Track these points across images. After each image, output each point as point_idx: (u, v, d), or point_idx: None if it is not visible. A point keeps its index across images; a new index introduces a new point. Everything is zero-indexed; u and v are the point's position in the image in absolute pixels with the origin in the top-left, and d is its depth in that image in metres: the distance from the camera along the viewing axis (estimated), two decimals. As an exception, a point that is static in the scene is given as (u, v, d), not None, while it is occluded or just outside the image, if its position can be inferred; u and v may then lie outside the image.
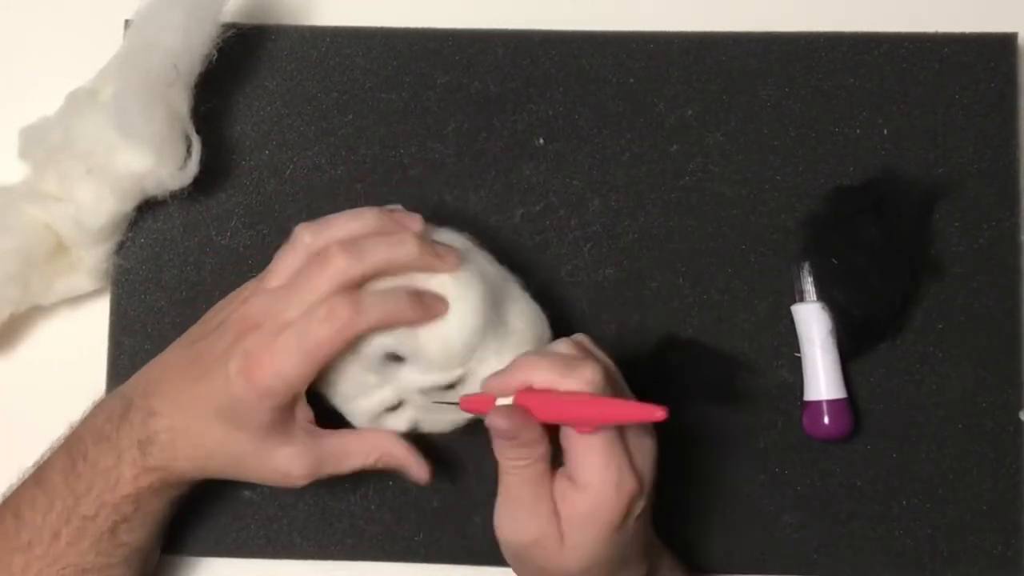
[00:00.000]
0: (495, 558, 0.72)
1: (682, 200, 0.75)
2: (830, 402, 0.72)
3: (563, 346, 0.63)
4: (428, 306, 0.64)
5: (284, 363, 0.62)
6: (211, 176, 0.75)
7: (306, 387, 0.64)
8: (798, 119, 0.75)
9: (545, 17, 0.77)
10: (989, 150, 0.75)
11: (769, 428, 0.73)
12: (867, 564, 0.73)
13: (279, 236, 0.74)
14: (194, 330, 0.68)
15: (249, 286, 0.67)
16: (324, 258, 0.63)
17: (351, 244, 0.64)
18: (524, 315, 0.67)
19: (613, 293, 0.74)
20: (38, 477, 0.67)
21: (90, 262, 0.73)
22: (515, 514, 0.62)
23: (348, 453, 0.67)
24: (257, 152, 0.76)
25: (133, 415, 0.65)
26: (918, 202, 0.74)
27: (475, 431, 0.71)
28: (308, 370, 0.63)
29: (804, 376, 0.73)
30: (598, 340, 0.73)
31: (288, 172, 0.76)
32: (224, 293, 0.74)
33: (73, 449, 0.66)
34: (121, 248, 0.75)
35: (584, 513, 0.60)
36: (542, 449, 0.61)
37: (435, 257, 0.64)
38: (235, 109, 0.76)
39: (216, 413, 0.64)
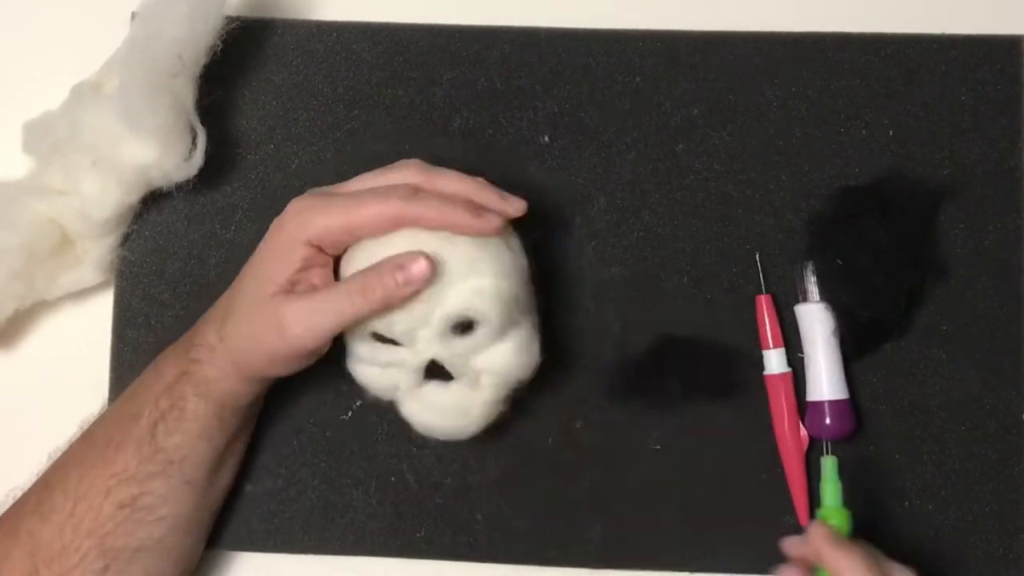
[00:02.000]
0: (496, 555, 0.72)
1: (687, 199, 0.75)
2: (832, 402, 0.72)
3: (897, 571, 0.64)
4: (484, 218, 0.65)
5: (321, 213, 0.65)
6: (216, 169, 0.75)
7: (335, 242, 0.66)
8: (804, 119, 0.75)
9: (552, 14, 0.77)
10: (995, 152, 0.75)
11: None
12: (868, 565, 0.73)
13: (283, 230, 0.75)
14: None
15: None
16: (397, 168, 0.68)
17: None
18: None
19: (618, 291, 0.74)
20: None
21: (95, 255, 0.73)
22: None
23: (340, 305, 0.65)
24: (262, 146, 0.76)
25: (193, 331, 0.69)
26: (923, 203, 0.74)
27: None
28: (343, 223, 0.64)
29: (806, 376, 0.73)
30: (601, 338, 0.74)
31: (293, 166, 0.76)
32: (228, 287, 0.74)
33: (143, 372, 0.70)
34: (126, 241, 0.75)
35: None
36: None
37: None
38: (240, 102, 0.76)
39: (249, 274, 0.67)
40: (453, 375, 0.67)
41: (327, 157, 0.76)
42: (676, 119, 0.75)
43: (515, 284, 0.66)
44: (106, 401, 0.74)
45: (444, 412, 0.67)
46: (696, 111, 0.75)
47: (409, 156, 0.75)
